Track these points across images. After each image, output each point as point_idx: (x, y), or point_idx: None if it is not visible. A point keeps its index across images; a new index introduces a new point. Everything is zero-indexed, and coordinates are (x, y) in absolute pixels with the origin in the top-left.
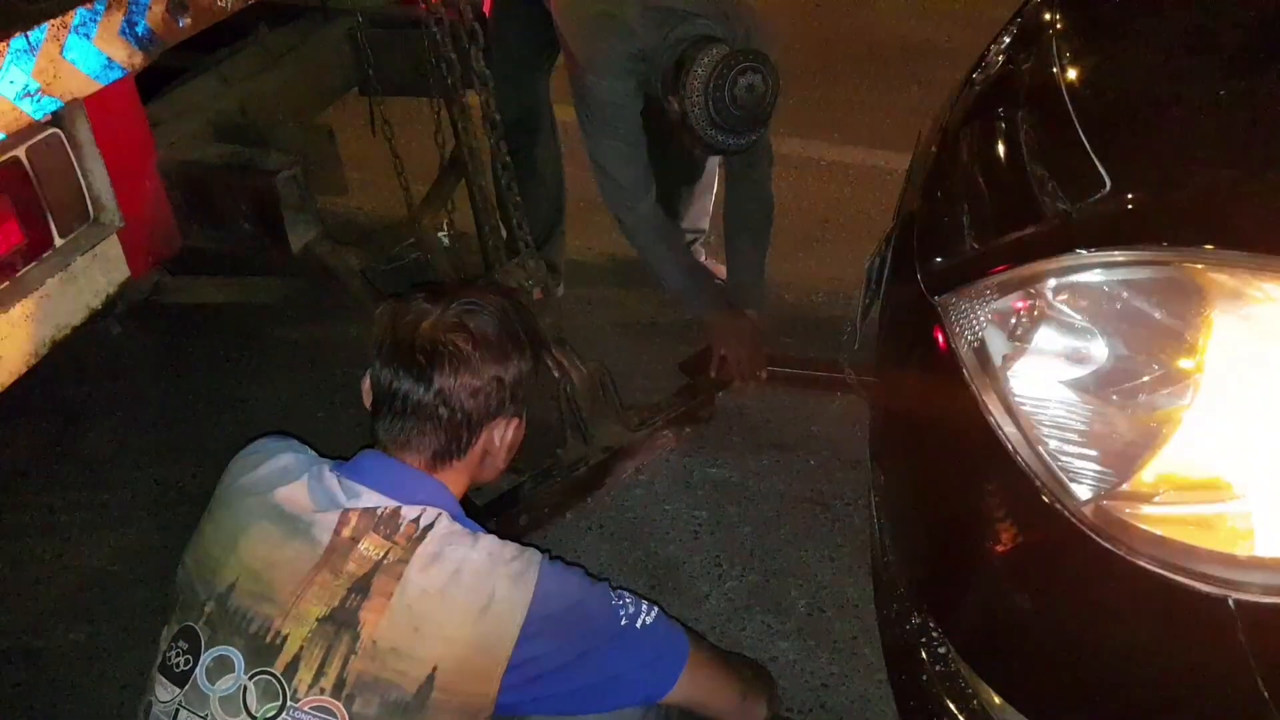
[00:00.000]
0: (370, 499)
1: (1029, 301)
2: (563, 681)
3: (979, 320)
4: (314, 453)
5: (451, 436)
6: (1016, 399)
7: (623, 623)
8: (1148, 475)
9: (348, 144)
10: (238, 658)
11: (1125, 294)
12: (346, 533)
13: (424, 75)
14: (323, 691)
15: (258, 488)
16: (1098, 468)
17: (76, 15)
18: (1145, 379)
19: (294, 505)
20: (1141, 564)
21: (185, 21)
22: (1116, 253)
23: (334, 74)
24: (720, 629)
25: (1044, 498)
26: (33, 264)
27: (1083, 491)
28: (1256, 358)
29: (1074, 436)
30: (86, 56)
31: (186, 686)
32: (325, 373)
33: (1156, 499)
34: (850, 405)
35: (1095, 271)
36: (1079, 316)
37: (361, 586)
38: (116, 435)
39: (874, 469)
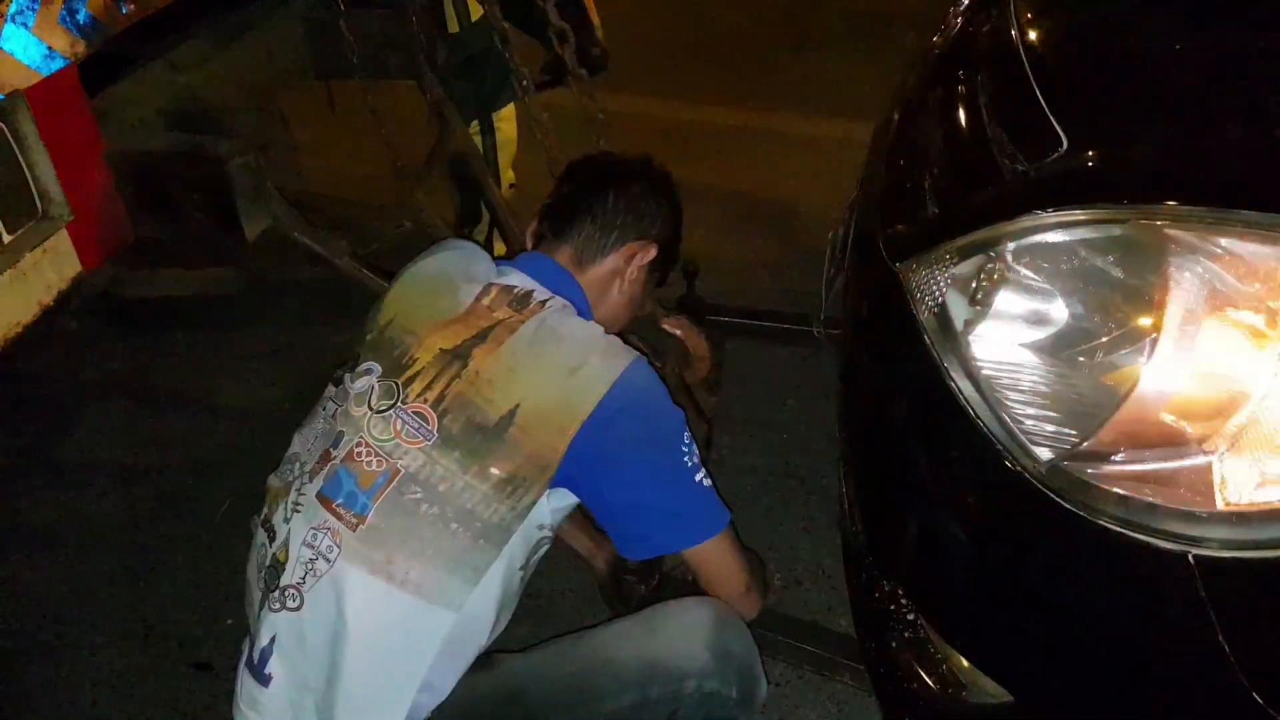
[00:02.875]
0: (513, 279)
1: (989, 265)
2: (613, 482)
3: (938, 286)
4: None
5: (593, 239)
6: (977, 363)
7: (686, 462)
8: (1107, 434)
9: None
10: (377, 369)
11: (1084, 253)
12: (485, 301)
13: (384, 57)
14: (425, 401)
15: (429, 261)
16: (1058, 429)
17: (13, 3)
18: (1104, 338)
19: (451, 273)
20: (1102, 523)
21: (129, 8)
22: (1073, 212)
23: (287, 58)
24: None
25: (1005, 461)
26: None
27: (1043, 453)
28: (1213, 312)
29: (1035, 399)
30: (26, 46)
31: (340, 386)
32: (290, 363)
33: (1116, 457)
34: (825, 380)
35: (1054, 232)
36: (1039, 278)
37: (482, 335)
38: (78, 430)
39: (840, 438)
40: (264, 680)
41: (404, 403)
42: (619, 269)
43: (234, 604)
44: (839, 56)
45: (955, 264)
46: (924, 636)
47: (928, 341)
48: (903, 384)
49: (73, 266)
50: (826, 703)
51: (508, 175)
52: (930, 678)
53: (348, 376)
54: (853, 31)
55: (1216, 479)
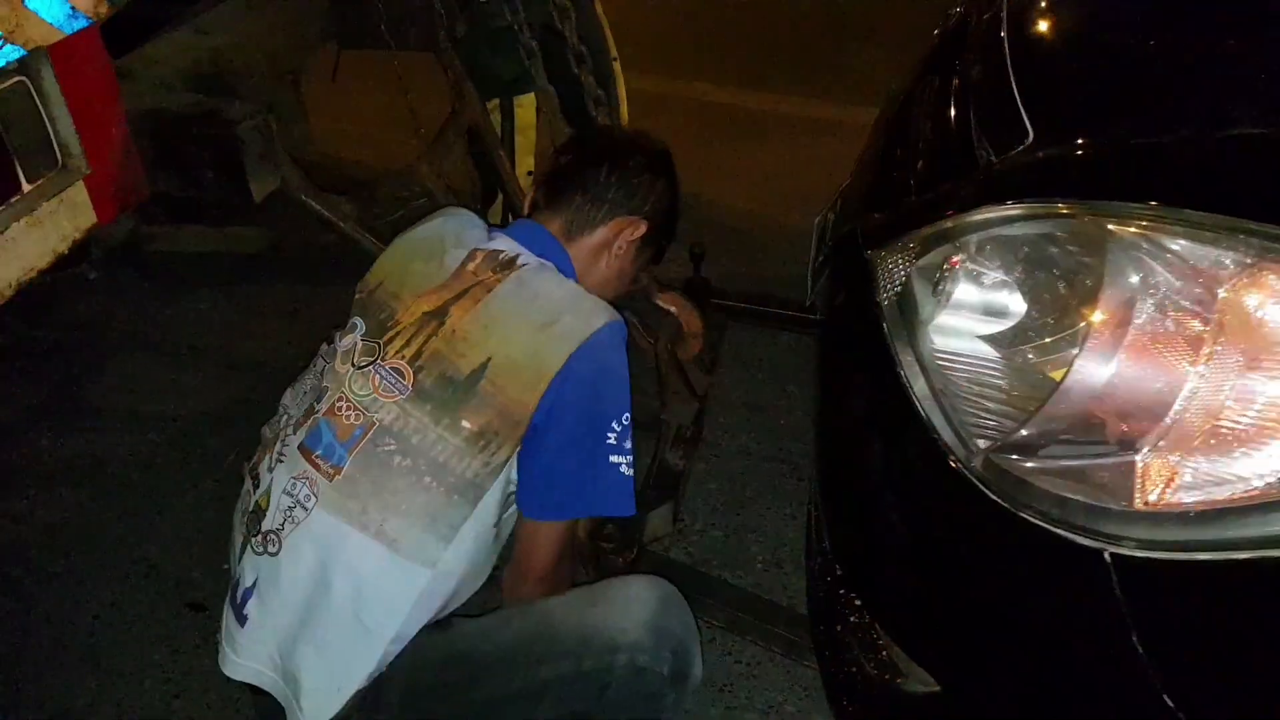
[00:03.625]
0: (501, 244)
1: (953, 256)
2: (541, 437)
3: (901, 275)
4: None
5: (584, 211)
6: (935, 353)
7: (610, 439)
8: (1033, 427)
9: (352, 98)
10: (362, 328)
11: (1034, 247)
12: (470, 266)
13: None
14: (403, 357)
15: (423, 227)
16: (994, 421)
17: None
18: (1045, 331)
19: (441, 239)
20: (1025, 517)
21: None
22: (1022, 206)
23: (312, 26)
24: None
25: (942, 451)
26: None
27: (976, 445)
28: (1148, 311)
29: (984, 391)
30: (50, 5)
31: (330, 345)
32: (307, 324)
33: (1042, 452)
34: None
35: (1008, 226)
36: (999, 271)
37: (461, 295)
38: (101, 377)
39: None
40: (241, 620)
41: (383, 359)
42: (607, 242)
43: None
44: (877, 48)
45: (920, 254)
46: (868, 622)
47: (885, 329)
48: (861, 370)
49: (88, 218)
50: (795, 687)
51: (526, 162)
52: (870, 663)
53: (337, 335)
54: (897, 22)
55: (1138, 478)
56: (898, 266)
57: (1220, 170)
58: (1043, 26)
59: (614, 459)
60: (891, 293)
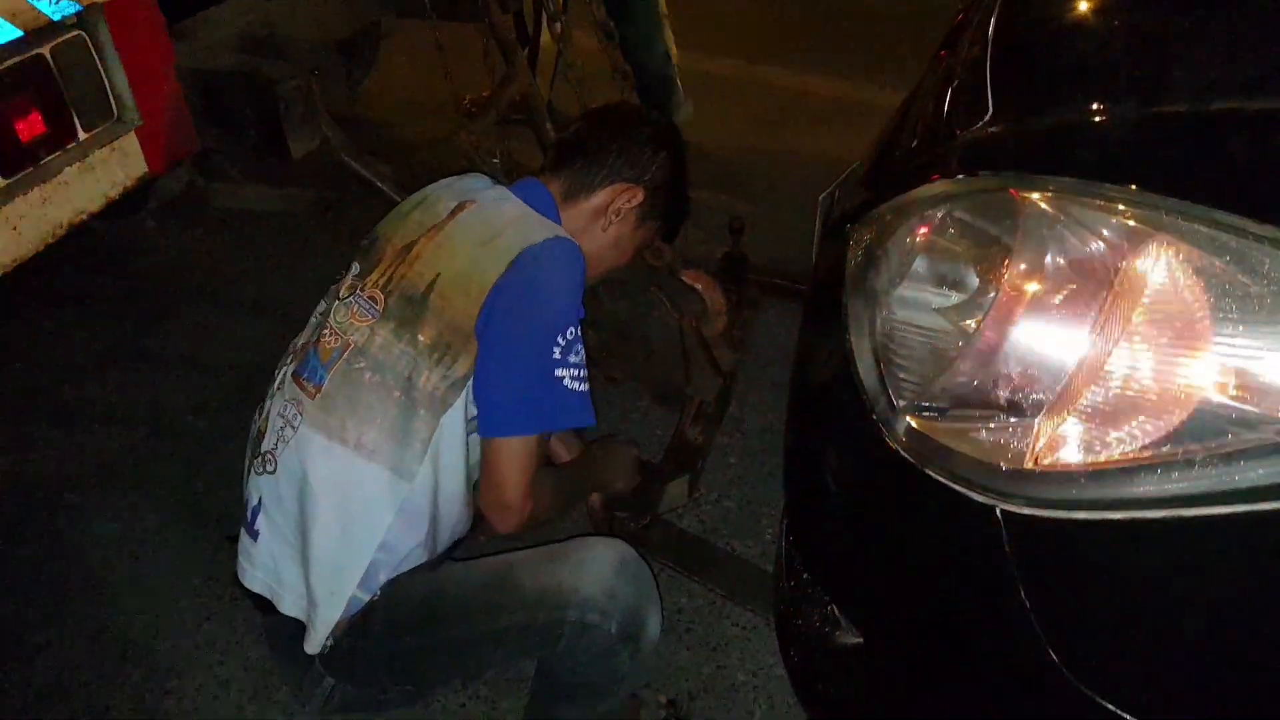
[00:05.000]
0: (495, 193)
1: (920, 229)
2: (487, 348)
3: (864, 247)
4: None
5: (583, 174)
6: (892, 323)
7: (554, 353)
8: (943, 388)
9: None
10: (356, 269)
11: (965, 219)
12: (459, 214)
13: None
14: (376, 286)
15: (435, 185)
16: (914, 383)
17: None
18: (975, 298)
19: (445, 194)
20: (929, 473)
21: None
22: (948, 181)
23: None
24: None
25: (867, 410)
26: (55, 154)
27: (898, 404)
28: (1051, 277)
29: (926, 360)
30: None
31: (331, 288)
32: None
33: (950, 412)
34: None
35: (960, 200)
36: (950, 243)
37: (434, 229)
38: (164, 324)
39: None
40: (254, 536)
41: (362, 290)
42: (603, 207)
43: None
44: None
45: (886, 228)
46: (812, 579)
47: (843, 299)
48: (825, 339)
49: (139, 167)
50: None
51: None
52: (814, 617)
53: (338, 280)
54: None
55: (1031, 439)
56: (863, 240)
57: (1138, 146)
58: (1029, 13)
59: (559, 372)
60: (856, 264)
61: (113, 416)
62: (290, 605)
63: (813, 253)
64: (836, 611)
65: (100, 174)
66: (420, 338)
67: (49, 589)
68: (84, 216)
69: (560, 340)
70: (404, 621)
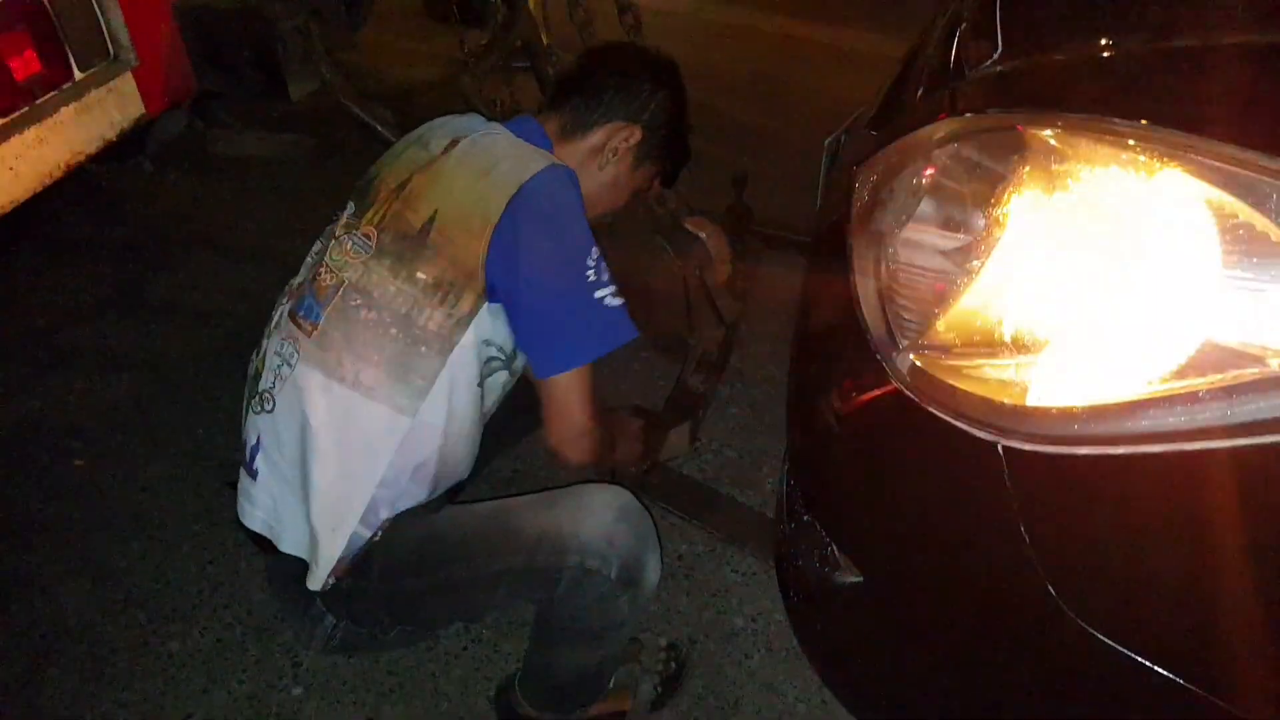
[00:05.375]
0: (490, 129)
1: (926, 170)
2: (519, 289)
3: (870, 189)
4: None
5: (579, 112)
6: (895, 265)
7: (589, 276)
8: (947, 327)
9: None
10: (351, 208)
11: (969, 158)
12: (453, 150)
13: None
14: (371, 224)
15: (430, 123)
16: (918, 323)
17: None
18: (980, 240)
19: (439, 132)
20: (932, 410)
21: None
22: (954, 120)
23: None
24: None
25: (871, 350)
26: (51, 93)
27: (901, 344)
28: (1056, 214)
29: (928, 300)
30: None
31: (327, 229)
32: None
33: (954, 350)
34: None
35: (964, 140)
36: (957, 186)
37: (428, 165)
38: (166, 272)
39: None
40: (253, 475)
41: (357, 229)
42: (600, 146)
43: None
44: None
45: (891, 169)
46: (813, 520)
47: (848, 241)
48: (830, 281)
49: (136, 108)
50: None
51: None
52: (814, 558)
53: (335, 219)
54: None
55: (1033, 376)
56: (871, 181)
57: (1147, 80)
58: None
59: (599, 293)
60: (862, 205)
61: (113, 362)
62: (290, 543)
63: (818, 196)
64: (836, 552)
65: (97, 115)
66: (420, 275)
67: (51, 533)
68: (81, 158)
69: (590, 262)
70: (404, 562)
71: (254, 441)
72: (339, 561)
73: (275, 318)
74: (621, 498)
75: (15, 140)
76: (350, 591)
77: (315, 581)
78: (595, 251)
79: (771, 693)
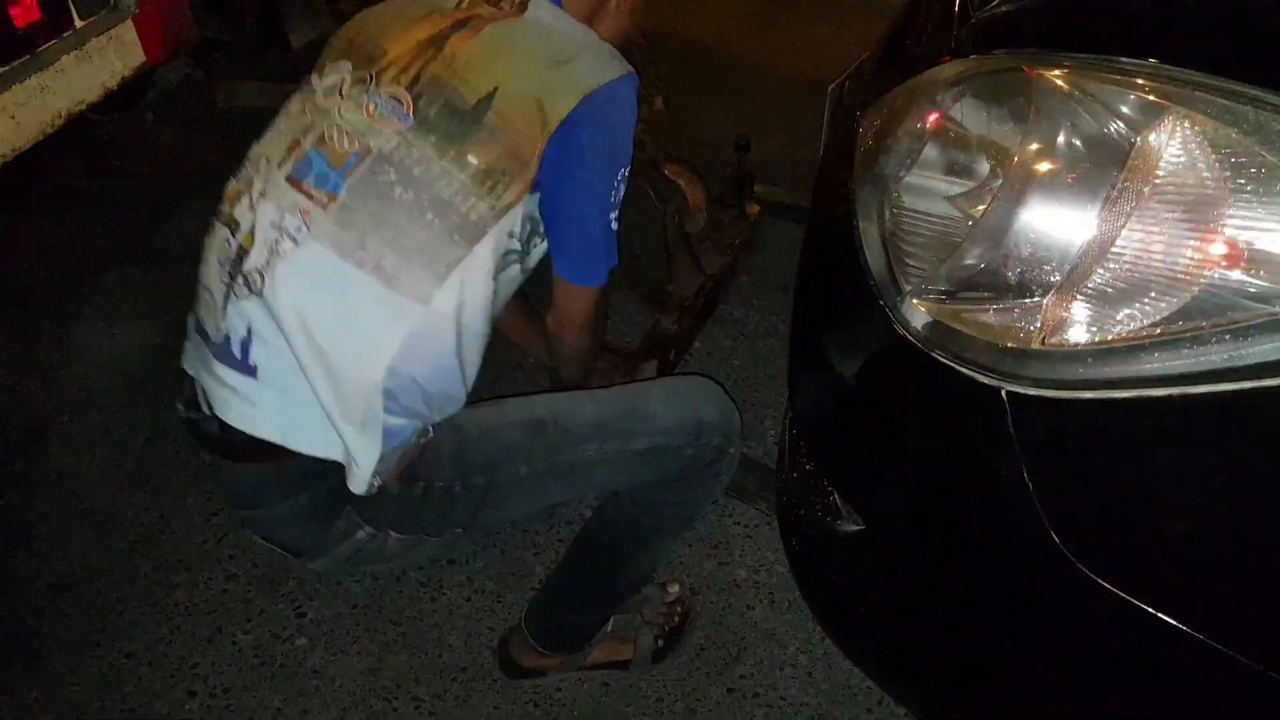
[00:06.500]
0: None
1: (930, 115)
2: (571, 187)
3: (874, 134)
4: None
5: None
6: (900, 210)
7: (613, 197)
8: (950, 271)
9: None
10: (348, 66)
11: (977, 101)
12: (464, 4)
13: None
14: (399, 84)
15: None
16: (922, 269)
17: None
18: (985, 186)
19: None
20: (936, 356)
21: None
22: (960, 61)
23: None
24: None
25: (873, 295)
26: (51, 41)
27: (903, 291)
28: (1063, 155)
29: (933, 247)
30: None
31: (304, 89)
32: None
33: (958, 295)
34: None
35: (971, 81)
36: (962, 130)
37: (460, 24)
38: (168, 223)
39: None
40: (251, 372)
41: (376, 86)
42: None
43: None
44: None
45: (895, 114)
46: (816, 469)
47: (852, 186)
48: (831, 227)
49: (137, 57)
50: None
51: None
52: (816, 507)
53: (314, 78)
54: None
55: (1039, 319)
56: (875, 125)
57: (1156, 19)
58: None
59: (612, 215)
60: (866, 150)
61: (118, 312)
62: (310, 442)
63: (821, 142)
64: (838, 500)
65: (98, 63)
66: (471, 159)
67: (56, 483)
68: (82, 107)
69: (617, 181)
70: (504, 449)
71: (244, 333)
72: (383, 461)
73: (258, 185)
74: (715, 384)
75: (17, 88)
76: (402, 495)
77: (359, 483)
78: (624, 171)
79: (773, 643)
